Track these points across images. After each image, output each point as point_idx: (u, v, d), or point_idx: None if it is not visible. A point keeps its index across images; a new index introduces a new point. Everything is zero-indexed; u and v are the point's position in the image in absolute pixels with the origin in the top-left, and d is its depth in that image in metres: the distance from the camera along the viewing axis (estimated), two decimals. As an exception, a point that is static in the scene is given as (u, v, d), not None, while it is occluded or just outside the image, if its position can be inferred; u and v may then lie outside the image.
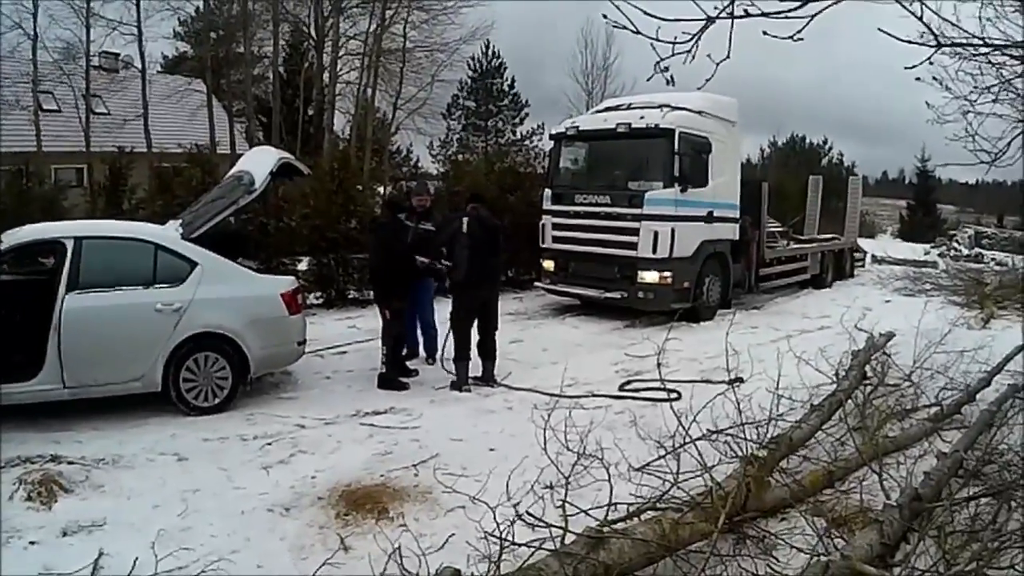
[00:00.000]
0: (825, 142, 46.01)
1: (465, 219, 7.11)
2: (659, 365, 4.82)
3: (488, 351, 7.23)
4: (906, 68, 3.51)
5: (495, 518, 3.36)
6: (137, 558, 3.55)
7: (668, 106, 10.37)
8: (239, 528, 4.15)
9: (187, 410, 6.10)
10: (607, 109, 11.87)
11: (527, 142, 35.17)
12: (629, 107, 11.28)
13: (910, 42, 3.25)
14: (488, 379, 7.23)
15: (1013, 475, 4.20)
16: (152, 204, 10.76)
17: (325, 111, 26.45)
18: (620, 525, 3.25)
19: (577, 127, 11.34)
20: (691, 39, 2.79)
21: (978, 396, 6.21)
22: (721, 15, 2.75)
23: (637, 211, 10.11)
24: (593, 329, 9.32)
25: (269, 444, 5.49)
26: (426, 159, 35.25)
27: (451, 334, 7.25)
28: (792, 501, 4.01)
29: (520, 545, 3.15)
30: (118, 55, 25.06)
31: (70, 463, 4.92)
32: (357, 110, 26.09)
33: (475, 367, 7.21)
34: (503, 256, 7.58)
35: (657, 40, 2.74)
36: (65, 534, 4.07)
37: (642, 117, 10.35)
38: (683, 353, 8.21)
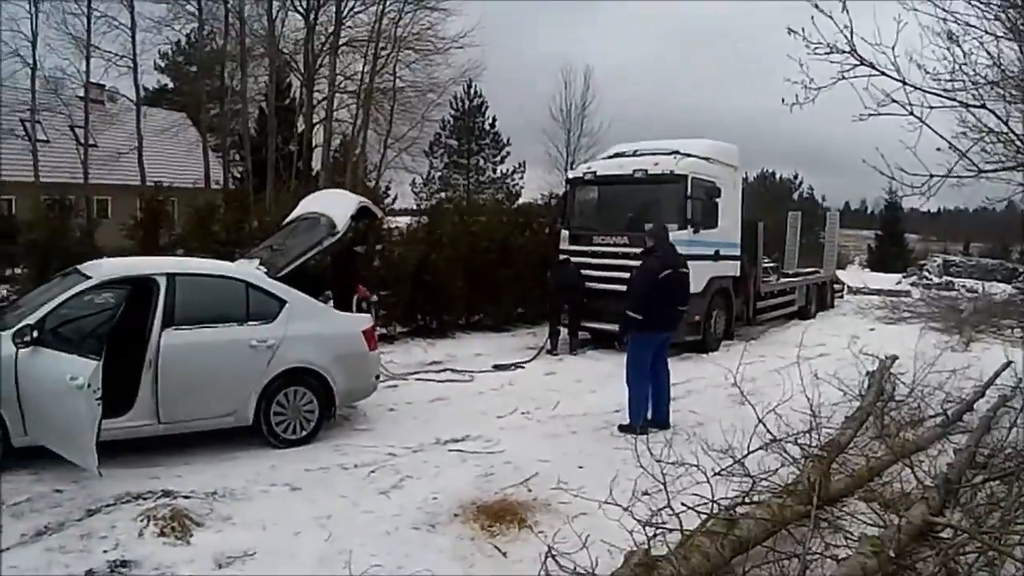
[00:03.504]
0: (796, 176, 48.17)
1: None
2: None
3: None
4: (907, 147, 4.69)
5: (632, 514, 4.01)
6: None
7: (679, 153, 11.15)
8: (393, 547, 4.33)
9: (276, 443, 6.30)
10: (618, 155, 12.47)
11: (508, 180, 36.23)
12: (638, 153, 11.94)
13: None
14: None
15: (1014, 462, 5.14)
16: (190, 241, 10.75)
17: (316, 148, 26.64)
18: (740, 509, 4.02)
19: (594, 172, 11.98)
20: None
21: (975, 406, 7.32)
22: None
23: None
24: (617, 360, 9.90)
25: (373, 471, 5.69)
26: (407, 196, 35.06)
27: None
28: (849, 491, 4.91)
29: (671, 530, 3.82)
30: (104, 86, 24.54)
31: (185, 497, 4.94)
32: (350, 151, 26.45)
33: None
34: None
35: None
36: (220, 566, 4.14)
37: (656, 163, 11.10)
38: (707, 380, 9.06)
